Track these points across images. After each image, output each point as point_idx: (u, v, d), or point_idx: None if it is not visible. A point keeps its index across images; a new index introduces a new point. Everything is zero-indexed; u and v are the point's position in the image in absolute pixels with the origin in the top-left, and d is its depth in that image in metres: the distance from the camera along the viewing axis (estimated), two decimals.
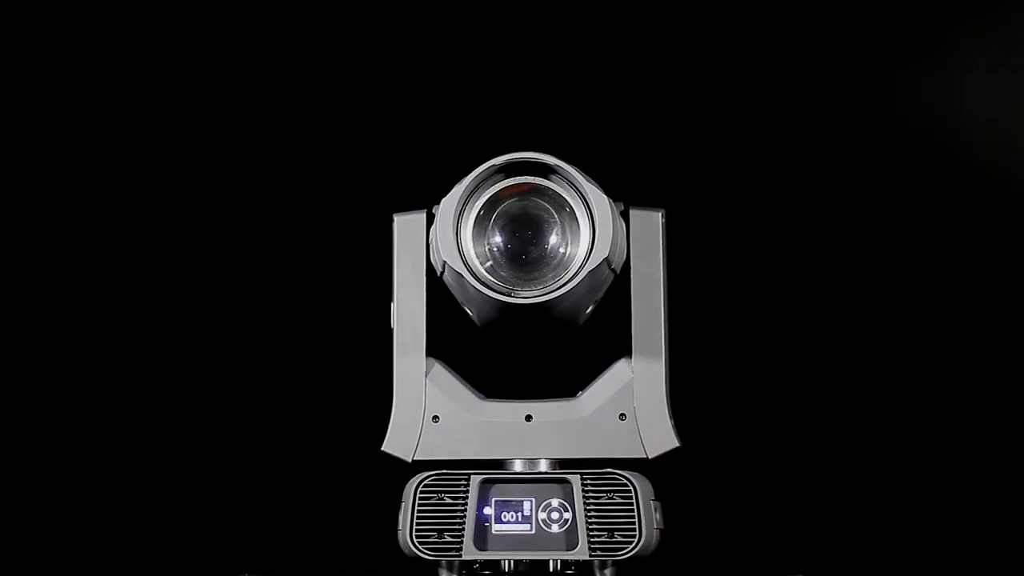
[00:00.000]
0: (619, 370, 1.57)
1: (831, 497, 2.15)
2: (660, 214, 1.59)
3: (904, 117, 2.21)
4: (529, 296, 1.49)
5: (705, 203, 2.19)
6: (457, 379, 1.58)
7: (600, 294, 1.56)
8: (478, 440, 1.55)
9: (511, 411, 1.56)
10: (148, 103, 2.15)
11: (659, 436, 1.55)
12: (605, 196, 1.49)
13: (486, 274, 1.51)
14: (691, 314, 1.69)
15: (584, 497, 1.50)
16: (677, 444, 1.56)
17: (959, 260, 2.16)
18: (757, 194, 2.21)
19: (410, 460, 1.55)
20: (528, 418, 1.56)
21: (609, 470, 1.52)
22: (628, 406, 1.56)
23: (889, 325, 2.17)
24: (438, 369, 1.57)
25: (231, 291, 2.15)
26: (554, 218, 1.52)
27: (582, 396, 1.57)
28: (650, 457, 1.55)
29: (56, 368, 2.06)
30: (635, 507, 1.50)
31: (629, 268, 1.57)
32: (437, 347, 1.59)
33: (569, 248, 1.51)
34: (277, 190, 2.18)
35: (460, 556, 1.50)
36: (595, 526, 1.50)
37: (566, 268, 1.50)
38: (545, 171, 1.51)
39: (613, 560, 1.49)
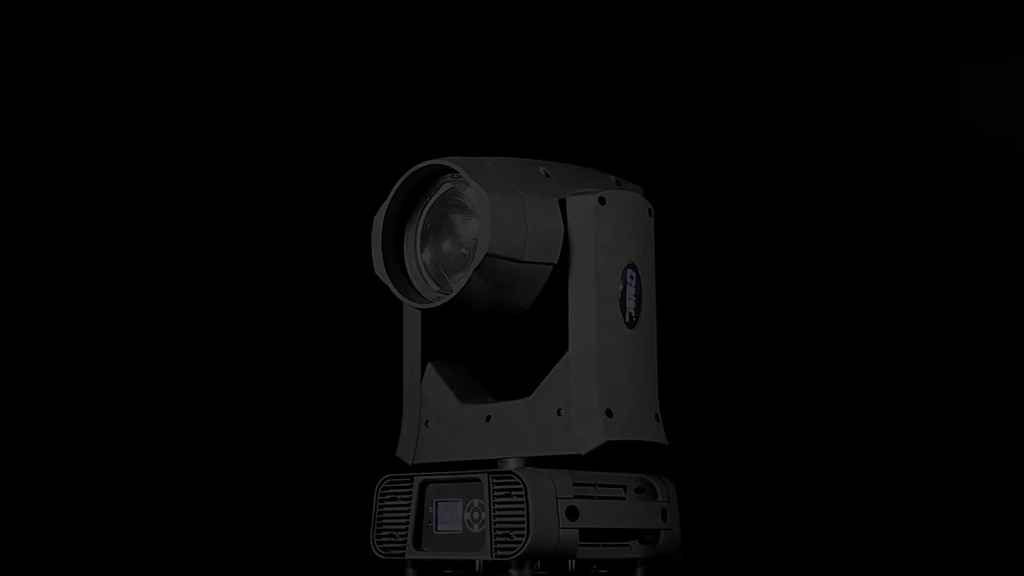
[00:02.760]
0: (559, 365, 1.50)
1: (830, 497, 2.01)
2: (595, 198, 1.50)
3: (904, 115, 2.07)
4: (438, 299, 1.51)
5: (706, 202, 2.08)
6: (445, 382, 1.59)
7: (535, 285, 1.50)
8: (451, 442, 1.57)
9: (476, 413, 1.56)
10: (149, 107, 2.19)
11: (591, 431, 1.47)
12: (485, 192, 1.46)
13: (427, 280, 1.55)
14: (691, 314, 1.69)
15: (491, 497, 1.47)
16: (607, 439, 1.46)
17: (959, 259, 2.02)
18: (758, 193, 2.10)
19: (410, 463, 1.61)
20: (488, 419, 1.55)
21: (510, 469, 1.48)
22: (565, 402, 1.49)
23: (888, 324, 2.03)
24: (431, 374, 1.60)
25: (234, 294, 2.19)
26: (460, 222, 1.52)
27: (533, 394, 1.53)
28: (583, 453, 1.47)
29: (56, 368, 2.10)
30: (524, 506, 1.44)
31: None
32: (456, 350, 1.63)
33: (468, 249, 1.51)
34: (282, 194, 2.20)
35: (403, 556, 1.54)
36: (498, 526, 1.46)
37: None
38: (444, 174, 1.52)
39: (509, 560, 1.44)
